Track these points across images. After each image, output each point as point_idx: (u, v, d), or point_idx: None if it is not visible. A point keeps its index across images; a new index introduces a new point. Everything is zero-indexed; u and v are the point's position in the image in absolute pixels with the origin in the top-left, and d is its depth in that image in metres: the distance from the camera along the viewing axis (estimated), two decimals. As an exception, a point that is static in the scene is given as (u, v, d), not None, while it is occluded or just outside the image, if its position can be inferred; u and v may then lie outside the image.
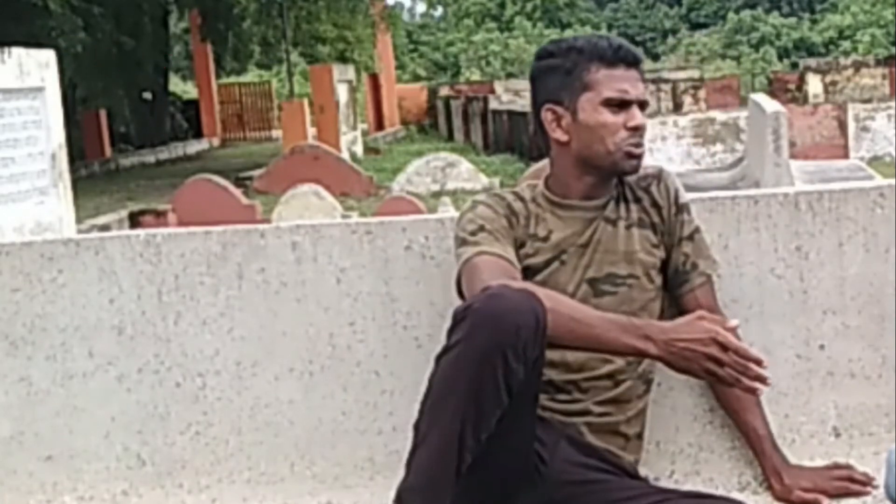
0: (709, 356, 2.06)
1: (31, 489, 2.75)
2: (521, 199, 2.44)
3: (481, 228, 2.36)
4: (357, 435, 2.69)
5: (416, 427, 2.15)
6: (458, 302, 2.63)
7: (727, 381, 2.09)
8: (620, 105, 2.35)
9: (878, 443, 2.64)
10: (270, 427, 2.71)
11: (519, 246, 2.39)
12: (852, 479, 2.49)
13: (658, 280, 2.47)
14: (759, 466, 2.58)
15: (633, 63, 2.38)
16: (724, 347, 2.05)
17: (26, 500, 2.74)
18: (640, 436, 2.49)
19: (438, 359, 2.14)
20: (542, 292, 2.17)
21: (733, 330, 2.08)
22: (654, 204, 2.47)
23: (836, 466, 2.54)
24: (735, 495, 2.56)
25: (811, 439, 2.67)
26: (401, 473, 2.62)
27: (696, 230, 2.51)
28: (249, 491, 2.70)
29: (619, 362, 2.40)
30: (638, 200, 2.46)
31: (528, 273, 2.37)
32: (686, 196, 2.52)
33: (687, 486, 2.59)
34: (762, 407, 2.55)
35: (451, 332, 2.13)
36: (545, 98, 2.40)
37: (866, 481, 2.47)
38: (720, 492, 2.58)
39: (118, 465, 2.74)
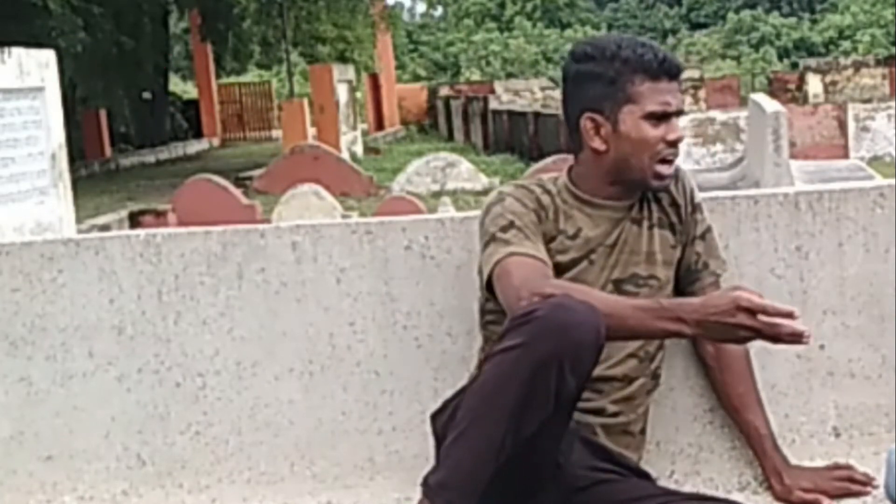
0: (739, 325, 2.04)
1: (31, 489, 2.75)
2: (548, 192, 2.41)
3: (511, 225, 2.32)
4: (357, 435, 2.69)
5: (452, 412, 2.16)
6: (457, 302, 2.64)
7: (771, 341, 2.07)
8: (661, 117, 2.33)
9: (878, 443, 2.64)
10: (270, 427, 2.71)
11: (548, 241, 2.36)
12: (852, 480, 2.49)
13: (672, 279, 2.48)
14: (759, 466, 2.58)
15: (676, 75, 2.35)
16: (751, 311, 2.02)
17: (26, 500, 2.74)
18: (643, 431, 2.50)
19: (490, 356, 2.15)
20: (574, 288, 2.18)
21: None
22: (673, 203, 2.47)
23: (837, 466, 2.54)
24: (735, 495, 2.56)
25: (811, 439, 2.67)
26: (401, 473, 2.63)
27: (709, 229, 2.52)
28: (249, 491, 2.70)
29: (633, 363, 2.41)
30: (658, 200, 2.46)
31: (557, 271, 2.34)
32: (699, 195, 2.52)
33: (687, 486, 2.59)
34: (763, 406, 2.56)
35: (508, 333, 2.12)
36: (585, 106, 2.36)
37: (866, 481, 2.47)
38: (720, 492, 2.58)
39: (118, 465, 2.74)
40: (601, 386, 2.38)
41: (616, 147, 2.35)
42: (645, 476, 2.46)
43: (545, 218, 2.37)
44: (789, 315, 2.02)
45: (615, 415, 2.41)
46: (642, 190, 2.42)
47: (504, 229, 2.32)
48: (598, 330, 2.09)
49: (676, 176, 2.47)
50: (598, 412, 2.39)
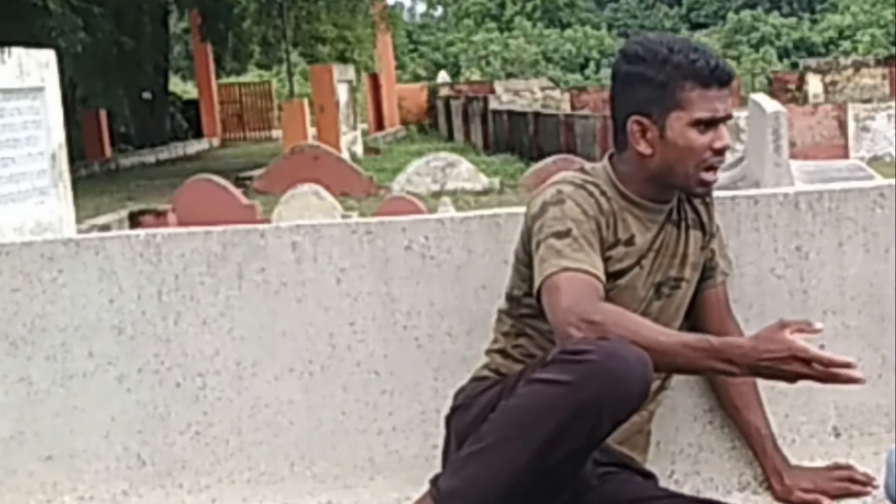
0: (794, 372, 2.04)
1: (31, 489, 2.75)
2: (604, 193, 2.35)
3: (568, 232, 2.25)
4: (357, 435, 2.69)
5: (473, 420, 2.17)
6: (457, 302, 2.64)
7: (824, 383, 2.08)
8: (709, 124, 2.30)
9: (878, 443, 2.64)
10: (270, 427, 2.71)
11: (608, 247, 2.32)
12: (853, 480, 2.49)
13: (697, 280, 2.48)
14: (759, 466, 2.58)
15: (728, 81, 2.32)
16: (806, 361, 2.02)
17: (26, 500, 2.74)
18: (648, 433, 2.50)
19: (532, 381, 2.13)
20: (623, 320, 2.14)
21: (815, 332, 2.06)
22: (703, 201, 2.47)
23: (837, 467, 2.54)
24: (735, 495, 2.56)
25: (811, 439, 2.67)
26: (401, 473, 2.63)
27: (718, 227, 2.53)
28: (249, 491, 2.70)
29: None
30: (689, 199, 2.45)
31: (612, 277, 2.32)
32: None
33: (687, 486, 2.60)
34: (763, 406, 2.55)
35: (556, 365, 2.10)
36: (633, 108, 2.33)
37: (866, 481, 2.48)
38: (720, 492, 2.58)
39: (118, 465, 2.74)
40: None
41: (662, 152, 2.32)
42: (649, 476, 2.46)
43: (605, 225, 2.32)
44: (846, 366, 2.02)
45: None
46: (686, 195, 2.41)
47: (560, 236, 2.25)
48: (647, 383, 2.09)
49: None
50: None
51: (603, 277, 2.24)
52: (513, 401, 2.15)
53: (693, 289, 2.46)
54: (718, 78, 2.29)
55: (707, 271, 2.49)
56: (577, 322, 2.12)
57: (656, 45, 2.33)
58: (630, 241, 2.35)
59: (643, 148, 2.33)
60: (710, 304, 2.50)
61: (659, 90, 2.29)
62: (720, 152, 2.31)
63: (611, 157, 2.41)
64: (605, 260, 2.30)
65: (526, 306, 2.37)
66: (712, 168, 2.33)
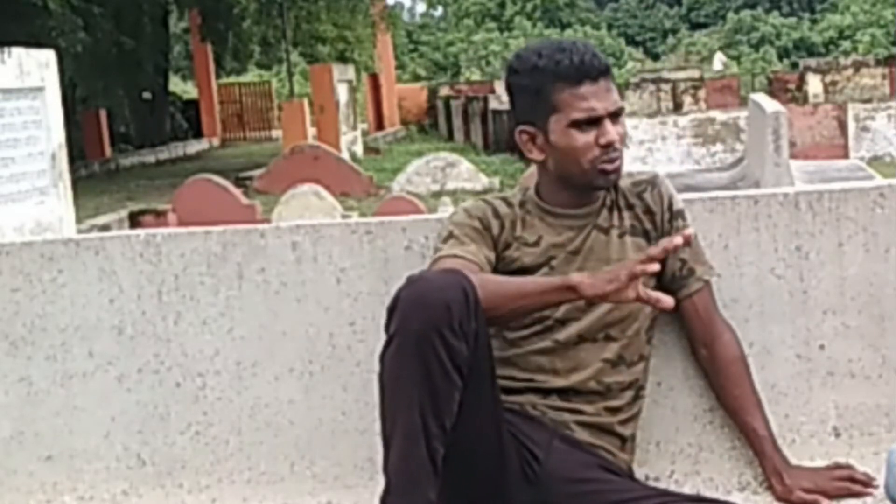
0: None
1: (31, 489, 2.75)
2: (510, 203, 2.45)
3: (450, 235, 2.39)
4: (357, 435, 2.69)
5: (383, 435, 2.17)
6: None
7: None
8: (590, 122, 2.34)
9: (878, 443, 2.64)
10: (270, 427, 2.71)
11: (504, 248, 2.40)
12: (853, 480, 2.49)
13: (650, 287, 2.46)
14: (759, 466, 2.58)
15: (600, 74, 2.34)
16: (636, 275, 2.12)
17: (26, 500, 2.74)
18: (633, 437, 2.49)
19: (382, 358, 2.16)
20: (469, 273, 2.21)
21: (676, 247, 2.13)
22: (648, 210, 2.47)
23: (837, 466, 2.54)
24: (735, 495, 2.56)
25: (811, 439, 2.67)
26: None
27: (695, 235, 2.51)
28: (249, 491, 2.70)
29: (605, 367, 2.41)
30: (631, 207, 2.46)
31: (516, 275, 2.37)
32: (681, 202, 2.51)
33: (687, 486, 2.60)
34: (763, 407, 2.55)
35: (386, 328, 2.16)
36: (518, 118, 2.41)
37: (867, 481, 2.47)
38: (720, 492, 2.58)
39: (118, 465, 2.74)
40: (572, 397, 2.39)
41: (552, 156, 2.38)
42: (633, 479, 2.46)
43: (499, 226, 2.41)
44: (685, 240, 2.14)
45: (594, 415, 2.41)
46: (593, 190, 2.42)
47: (444, 240, 2.40)
48: (461, 287, 2.12)
49: (653, 183, 2.49)
50: (576, 411, 2.40)
51: (477, 260, 2.33)
52: (381, 384, 2.16)
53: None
54: (586, 73, 2.32)
55: (680, 280, 2.49)
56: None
57: (528, 53, 2.39)
58: (536, 243, 2.41)
59: (536, 155, 2.40)
60: (689, 313, 2.50)
61: (535, 97, 2.36)
62: (608, 147, 2.34)
63: (537, 181, 2.49)
64: (503, 259, 2.39)
65: None
66: (609, 160, 2.36)
